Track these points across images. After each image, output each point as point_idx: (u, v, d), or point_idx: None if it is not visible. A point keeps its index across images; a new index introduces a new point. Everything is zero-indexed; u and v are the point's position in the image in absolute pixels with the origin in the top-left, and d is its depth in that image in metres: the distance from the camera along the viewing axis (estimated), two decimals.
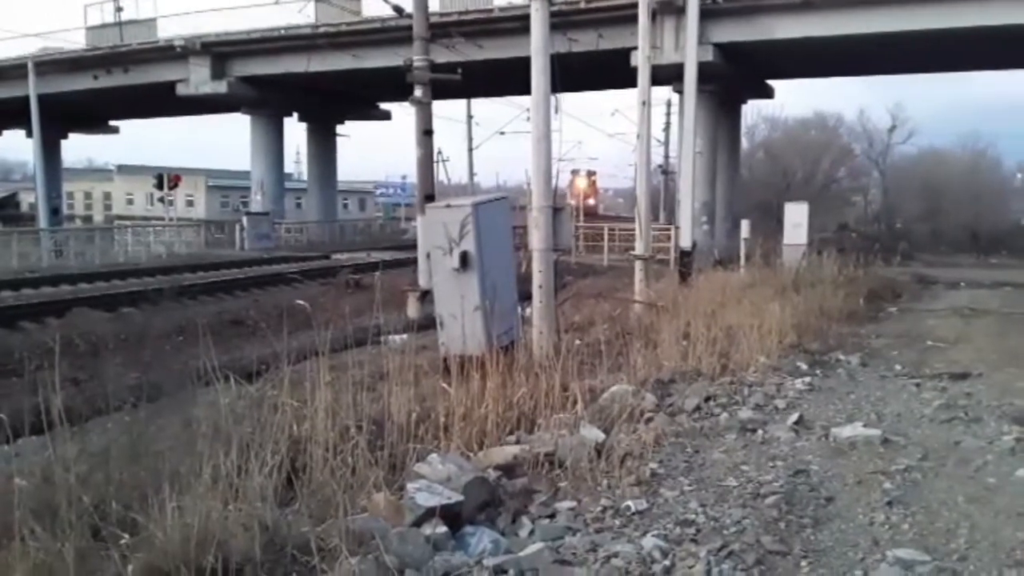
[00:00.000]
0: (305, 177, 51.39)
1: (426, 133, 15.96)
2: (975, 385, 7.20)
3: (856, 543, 3.82)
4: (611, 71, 25.39)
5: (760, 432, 5.64)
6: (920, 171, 52.08)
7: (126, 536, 3.50)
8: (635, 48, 15.37)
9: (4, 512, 3.55)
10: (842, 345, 9.55)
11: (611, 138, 69.14)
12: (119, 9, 33.86)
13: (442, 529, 3.69)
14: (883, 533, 3.92)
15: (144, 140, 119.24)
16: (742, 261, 17.58)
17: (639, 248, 14.07)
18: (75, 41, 34.09)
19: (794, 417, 5.94)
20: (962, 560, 3.62)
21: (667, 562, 3.54)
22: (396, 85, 18.75)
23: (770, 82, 34.96)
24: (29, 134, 34.93)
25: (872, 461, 4.98)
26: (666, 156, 49.23)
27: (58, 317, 14.03)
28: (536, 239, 8.69)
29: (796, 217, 19.72)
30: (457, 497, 3.93)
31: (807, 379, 7.40)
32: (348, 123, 43.24)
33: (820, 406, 6.49)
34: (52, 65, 33.77)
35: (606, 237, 29.03)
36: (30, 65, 32.26)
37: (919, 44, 25.55)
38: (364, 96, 39.48)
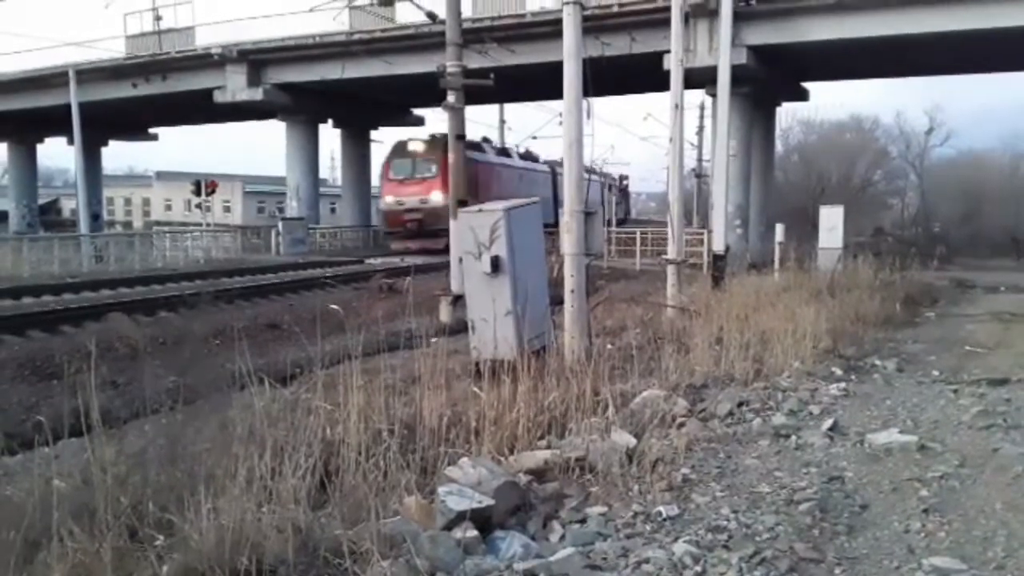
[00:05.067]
0: (340, 183, 51.79)
1: (459, 138, 16.06)
2: (1015, 391, 7.06)
3: (891, 551, 3.78)
4: (644, 74, 25.33)
5: (794, 438, 5.59)
6: (958, 174, 51.33)
7: (162, 537, 3.57)
8: (668, 51, 15.33)
9: (43, 513, 3.62)
10: (878, 350, 9.43)
11: (643, 142, 69.30)
12: (158, 18, 34.37)
13: (473, 533, 3.71)
14: (919, 541, 3.87)
15: (182, 147, 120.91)
16: (776, 265, 17.42)
17: (671, 252, 14.01)
18: (115, 50, 34.66)
19: (829, 423, 5.87)
20: (999, 569, 3.56)
21: (698, 568, 3.52)
22: (429, 91, 18.86)
23: (805, 84, 34.64)
24: (70, 141, 35.57)
25: (908, 468, 4.91)
26: (699, 159, 48.98)
27: (97, 321, 14.25)
28: (568, 243, 8.68)
29: (831, 220, 19.54)
30: (488, 501, 3.94)
31: (842, 385, 7.32)
32: (382, 129, 43.53)
33: (855, 412, 6.41)
34: (92, 73, 34.36)
35: (638, 241, 28.95)
36: (71, 73, 32.84)
37: (958, 45, 25.17)
38: (398, 102, 39.72)
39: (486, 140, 39.75)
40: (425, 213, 31.87)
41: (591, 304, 9.68)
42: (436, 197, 31.41)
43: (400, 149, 34.06)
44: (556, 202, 34.63)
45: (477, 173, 33.83)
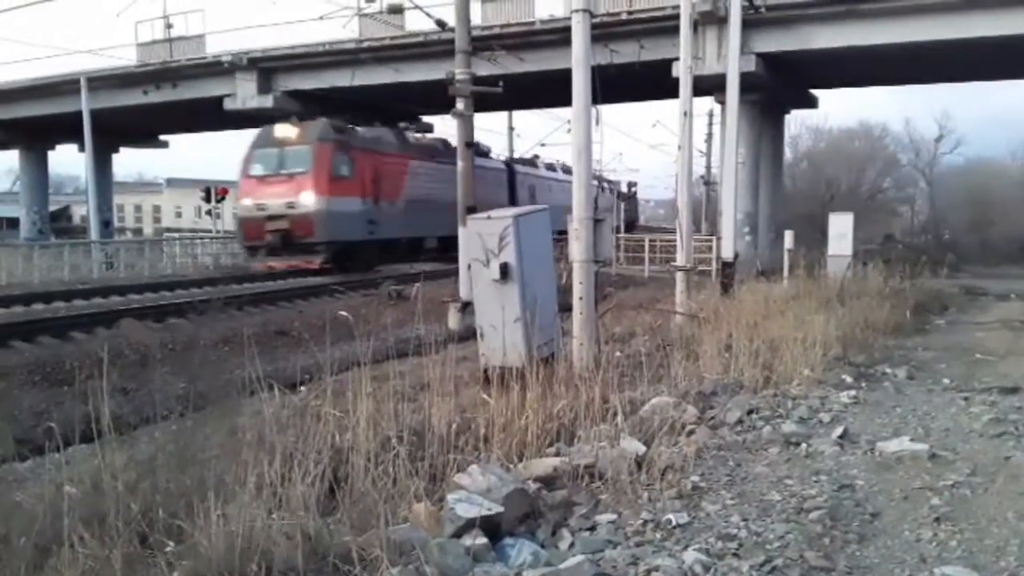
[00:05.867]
0: None
1: (468, 145, 16.12)
2: None
3: (903, 560, 3.75)
4: (652, 82, 25.33)
5: (804, 446, 5.57)
6: (968, 181, 51.13)
7: (172, 544, 3.57)
8: (677, 59, 15.34)
9: (54, 519, 3.64)
10: (888, 358, 9.39)
11: (652, 149, 69.19)
12: (169, 26, 34.56)
13: (482, 540, 3.70)
14: (930, 550, 3.85)
15: (193, 154, 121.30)
16: (785, 272, 17.39)
17: (680, 259, 14.00)
18: (126, 58, 34.86)
19: (839, 431, 5.85)
20: None
21: None
22: (438, 98, 18.90)
23: (814, 92, 34.60)
24: (81, 148, 35.72)
25: (919, 476, 4.89)
26: (708, 167, 48.91)
27: (108, 328, 14.32)
28: (576, 250, 8.69)
29: (841, 228, 19.46)
30: (497, 508, 3.94)
31: (852, 392, 7.28)
32: None
33: (866, 420, 6.38)
34: (104, 81, 34.54)
35: (647, 248, 28.93)
36: (83, 81, 33.02)
37: (968, 52, 25.10)
38: (407, 109, 39.81)
39: (407, 128, 33.16)
40: (293, 221, 24.90)
41: (600, 311, 9.67)
42: (307, 199, 24.98)
43: (265, 136, 26.67)
44: (514, 205, 29.99)
45: (378, 169, 28.07)
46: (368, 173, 27.46)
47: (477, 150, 37.97)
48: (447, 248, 29.97)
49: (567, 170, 45.36)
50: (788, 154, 44.70)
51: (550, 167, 45.71)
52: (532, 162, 44.39)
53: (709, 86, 22.61)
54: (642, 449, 5.11)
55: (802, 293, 12.78)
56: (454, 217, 30.64)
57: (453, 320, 14.58)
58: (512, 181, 38.59)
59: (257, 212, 25.40)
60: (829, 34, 24.85)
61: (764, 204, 29.51)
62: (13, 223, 48.18)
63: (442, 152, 33.07)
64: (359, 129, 29.08)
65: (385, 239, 27.56)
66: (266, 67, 33.75)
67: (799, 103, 34.91)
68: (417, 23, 27.11)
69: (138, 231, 68.59)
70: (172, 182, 73.53)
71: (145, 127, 44.04)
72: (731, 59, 16.08)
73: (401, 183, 29.27)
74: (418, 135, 33.85)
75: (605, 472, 4.78)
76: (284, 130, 25.96)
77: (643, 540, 3.97)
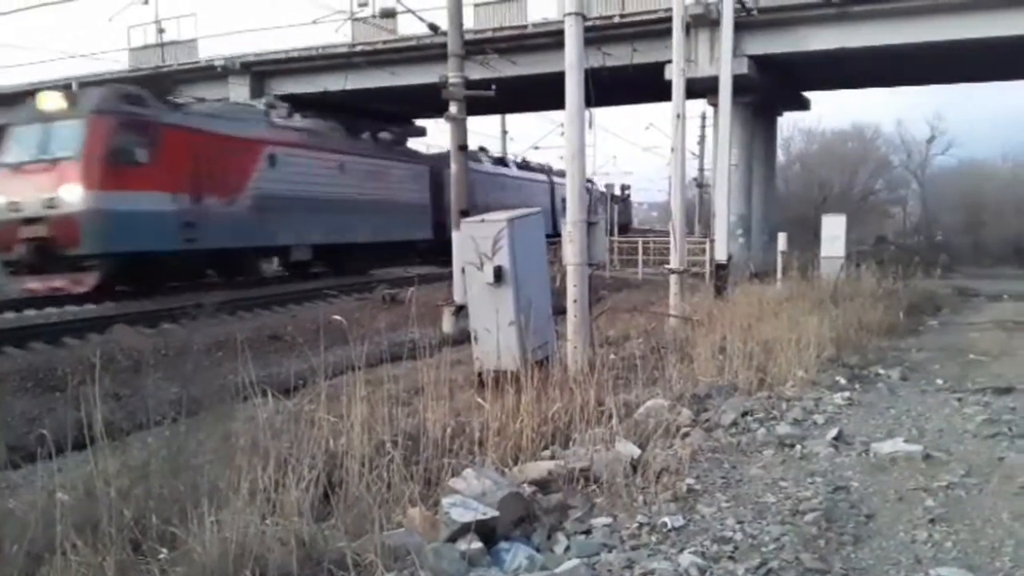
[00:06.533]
0: None
1: (461, 149, 16.10)
2: (1020, 399, 7.05)
3: (898, 561, 3.76)
4: (645, 85, 25.40)
5: (798, 447, 5.58)
6: (960, 182, 51.42)
7: (165, 550, 3.55)
8: (669, 61, 15.35)
9: (47, 526, 3.61)
10: (882, 359, 9.42)
11: (645, 152, 69.17)
12: (161, 31, 34.53)
13: (477, 545, 3.69)
14: (925, 551, 3.85)
15: None
16: (779, 274, 17.42)
17: (674, 262, 14.00)
18: (119, 61, 34.78)
19: (833, 432, 5.85)
20: None
21: None
22: (431, 101, 18.90)
23: (806, 94, 34.72)
24: None
25: (914, 477, 4.90)
26: (701, 169, 48.95)
27: (100, 333, 14.25)
28: (570, 253, 8.68)
29: (833, 229, 19.49)
30: (492, 512, 3.93)
31: (846, 394, 7.30)
32: None
33: (860, 421, 6.39)
34: (96, 86, 34.48)
35: (640, 251, 28.96)
36: (74, 86, 32.94)
37: (960, 54, 25.20)
38: (400, 113, 39.83)
39: (271, 106, 26.17)
40: (53, 225, 17.41)
41: (594, 314, 9.67)
42: (70, 194, 17.35)
43: (26, 110, 19.43)
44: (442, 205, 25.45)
45: (203, 155, 20.53)
46: (185, 159, 20.03)
47: (396, 141, 32.43)
48: (331, 258, 26.08)
49: (522, 166, 42.78)
50: (781, 156, 44.89)
51: (500, 162, 41.02)
52: (474, 156, 35.79)
53: (702, 89, 22.67)
54: (637, 452, 5.11)
55: (795, 295, 12.81)
56: (343, 220, 25.83)
57: (447, 324, 14.56)
58: (438, 179, 30.67)
59: (10, 213, 17.69)
60: (821, 36, 24.93)
61: (757, 206, 29.55)
62: None
63: (326, 138, 27.03)
64: (181, 101, 23.22)
65: (215, 248, 21.08)
66: (259, 71, 33.75)
67: (792, 105, 35.02)
68: (410, 27, 27.17)
69: None
70: None
71: None
72: (723, 62, 16.12)
73: (247, 175, 22.41)
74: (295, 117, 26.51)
75: (600, 475, 4.77)
76: (50, 100, 18.62)
77: (639, 543, 3.96)
